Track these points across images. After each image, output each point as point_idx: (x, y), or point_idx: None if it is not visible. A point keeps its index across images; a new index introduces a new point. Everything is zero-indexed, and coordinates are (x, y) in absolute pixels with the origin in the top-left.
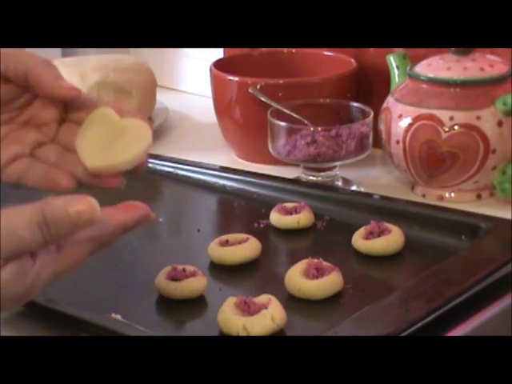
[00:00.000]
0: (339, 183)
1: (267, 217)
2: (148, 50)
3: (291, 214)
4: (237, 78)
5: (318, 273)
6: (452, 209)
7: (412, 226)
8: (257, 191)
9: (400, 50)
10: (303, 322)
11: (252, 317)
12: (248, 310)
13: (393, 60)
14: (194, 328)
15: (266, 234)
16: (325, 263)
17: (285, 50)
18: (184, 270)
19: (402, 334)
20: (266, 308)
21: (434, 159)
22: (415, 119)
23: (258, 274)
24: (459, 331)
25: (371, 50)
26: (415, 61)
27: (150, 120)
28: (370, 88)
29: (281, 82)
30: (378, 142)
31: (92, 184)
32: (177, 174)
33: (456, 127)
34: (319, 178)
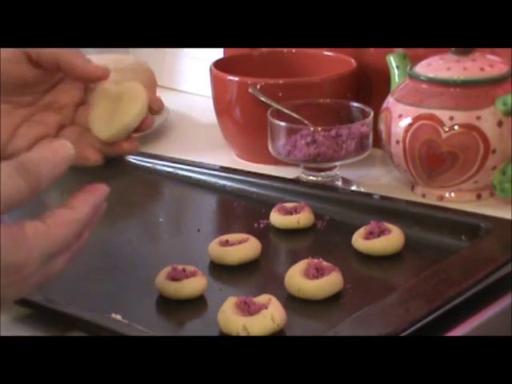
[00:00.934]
0: (339, 183)
1: (267, 217)
2: (148, 50)
3: (291, 213)
4: (237, 78)
5: (318, 273)
6: (452, 209)
7: (412, 225)
8: (257, 191)
9: (400, 49)
10: (303, 321)
11: (252, 317)
12: (248, 310)
13: (393, 60)
14: (194, 328)
15: (266, 233)
16: (325, 263)
17: (285, 50)
18: (184, 270)
19: (402, 334)
20: (266, 308)
21: (433, 159)
22: (415, 119)
23: (258, 274)
24: (459, 331)
25: (371, 49)
26: (415, 61)
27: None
28: (370, 88)
29: (281, 81)
30: (377, 142)
31: (113, 152)
32: (177, 174)
33: (456, 127)
34: (319, 178)
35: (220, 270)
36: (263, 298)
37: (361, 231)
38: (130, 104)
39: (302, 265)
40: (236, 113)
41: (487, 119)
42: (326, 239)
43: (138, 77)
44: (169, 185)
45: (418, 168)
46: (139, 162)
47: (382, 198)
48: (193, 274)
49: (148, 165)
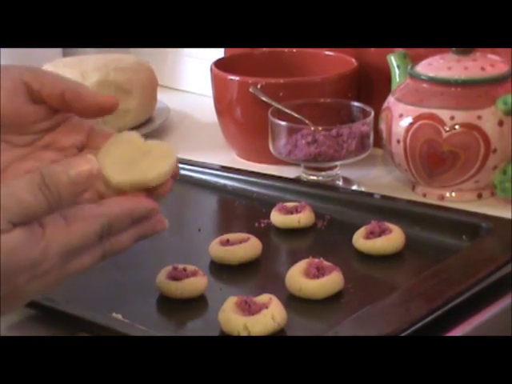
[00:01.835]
0: (340, 183)
1: (268, 216)
2: (149, 50)
3: (292, 213)
4: (237, 78)
5: (319, 272)
6: (453, 208)
7: (413, 225)
8: (257, 191)
9: (401, 49)
10: (304, 321)
11: (253, 316)
12: (249, 309)
13: (393, 59)
14: (195, 327)
15: (267, 233)
16: (325, 263)
17: (285, 49)
18: (185, 270)
19: (403, 334)
20: (267, 307)
21: (434, 159)
22: (416, 119)
23: (259, 274)
24: (459, 331)
25: (372, 49)
26: (416, 60)
27: (151, 118)
28: (371, 87)
29: (281, 81)
30: (378, 142)
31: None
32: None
33: (457, 127)
34: (320, 178)
35: (221, 270)
36: (264, 298)
37: (361, 231)
38: (159, 160)
39: (302, 264)
40: (237, 112)
41: (488, 119)
42: (326, 239)
43: (139, 76)
44: None
45: (418, 168)
46: None
47: (383, 197)
48: (193, 274)
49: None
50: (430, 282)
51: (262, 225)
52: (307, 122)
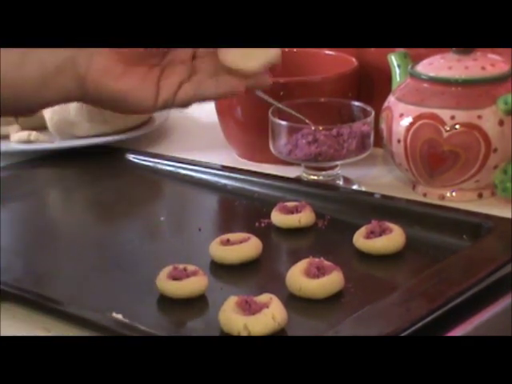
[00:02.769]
0: (340, 182)
1: (268, 216)
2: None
3: (292, 213)
4: None
5: (319, 272)
6: (453, 208)
7: (413, 225)
8: (258, 190)
9: (401, 49)
10: (304, 321)
11: (253, 316)
12: (249, 309)
13: (394, 59)
14: (195, 327)
15: (267, 233)
16: (326, 262)
17: (285, 49)
18: (185, 270)
19: (403, 334)
20: (267, 307)
21: (435, 158)
22: (416, 118)
23: (259, 274)
24: (459, 331)
25: (372, 49)
26: (416, 60)
27: (151, 118)
28: (371, 87)
29: (282, 81)
30: (379, 141)
31: (253, 85)
32: (178, 173)
33: (457, 126)
34: (320, 177)
35: (221, 270)
36: (264, 298)
37: (362, 230)
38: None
39: (303, 264)
40: (237, 112)
41: (488, 118)
42: (327, 238)
43: None
44: (170, 184)
45: (419, 167)
46: (140, 162)
47: (383, 197)
48: (194, 274)
49: (149, 164)
50: (431, 281)
51: (263, 224)
52: (308, 121)
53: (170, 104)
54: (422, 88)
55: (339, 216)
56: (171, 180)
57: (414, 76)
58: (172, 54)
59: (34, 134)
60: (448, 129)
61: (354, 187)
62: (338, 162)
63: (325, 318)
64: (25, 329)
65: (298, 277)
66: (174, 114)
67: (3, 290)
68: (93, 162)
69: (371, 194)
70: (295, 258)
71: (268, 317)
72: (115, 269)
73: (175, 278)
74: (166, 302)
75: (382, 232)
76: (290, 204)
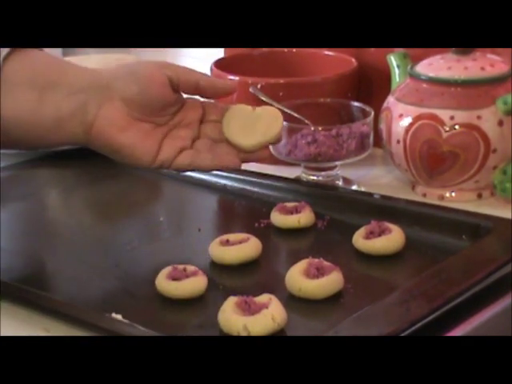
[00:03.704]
0: (340, 183)
1: (268, 216)
2: (149, 50)
3: (292, 213)
4: (237, 78)
5: (319, 272)
6: (452, 208)
7: (412, 225)
8: (257, 191)
9: (400, 49)
10: (304, 321)
11: (252, 316)
12: (248, 309)
13: (393, 59)
14: (195, 328)
15: (267, 233)
16: (325, 263)
17: (285, 49)
18: (185, 270)
19: (403, 334)
20: (267, 307)
21: (434, 159)
22: (416, 119)
23: (259, 274)
24: (459, 331)
25: (372, 49)
26: (416, 60)
27: None
28: (371, 87)
29: (281, 81)
30: (378, 142)
31: (249, 159)
32: (178, 174)
33: (457, 127)
34: (320, 178)
35: (220, 270)
36: (264, 298)
37: (361, 231)
38: (271, 122)
39: (302, 264)
40: None
41: (488, 119)
42: (326, 239)
43: None
44: (169, 184)
45: (418, 167)
46: None
47: (383, 197)
48: (193, 274)
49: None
50: (430, 281)
51: (262, 225)
52: (307, 121)
53: (166, 166)
54: (422, 88)
55: (339, 216)
56: (171, 180)
57: (414, 76)
58: (182, 114)
59: None
60: (447, 129)
61: (354, 187)
62: (337, 163)
63: (324, 318)
64: (24, 329)
65: (297, 277)
66: None
67: (3, 290)
68: (92, 162)
69: (371, 195)
70: (295, 259)
71: (267, 317)
72: (115, 269)
73: (175, 279)
74: (166, 303)
75: (382, 232)
76: (290, 204)
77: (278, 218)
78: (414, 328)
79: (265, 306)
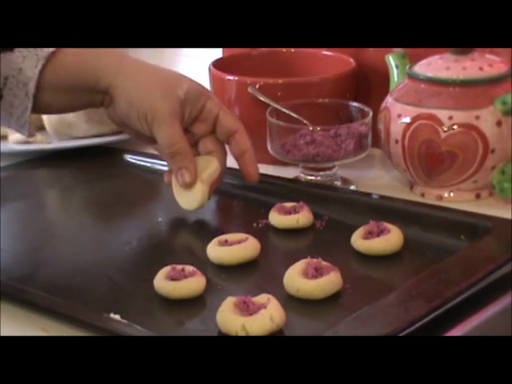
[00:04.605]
0: (338, 183)
1: (266, 216)
2: (147, 50)
3: (290, 213)
4: (236, 78)
5: (317, 272)
6: (451, 208)
7: (411, 225)
8: (256, 191)
9: (399, 49)
10: (302, 321)
11: (251, 317)
12: (247, 309)
13: (392, 60)
14: (193, 328)
15: (265, 233)
16: (324, 263)
17: (284, 49)
18: (183, 270)
19: (401, 334)
20: (265, 308)
21: (433, 159)
22: (414, 119)
23: (257, 274)
24: (459, 331)
25: (370, 49)
26: (414, 60)
27: None
28: (369, 88)
29: (280, 81)
30: (376, 142)
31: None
32: None
33: (455, 127)
34: (318, 178)
35: (219, 270)
36: (262, 298)
37: (360, 231)
38: (204, 168)
39: (301, 264)
40: (235, 112)
41: (486, 119)
42: (325, 239)
43: None
44: (168, 184)
45: (417, 168)
46: (138, 162)
47: (381, 197)
48: (192, 274)
49: (147, 164)
50: (429, 281)
51: (261, 225)
52: (305, 122)
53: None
54: (420, 88)
55: (337, 216)
56: None
57: (412, 76)
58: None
59: None
60: (446, 129)
61: (352, 188)
62: (335, 163)
63: (323, 318)
64: (23, 329)
65: (295, 277)
66: None
67: (2, 290)
68: (90, 162)
69: (369, 195)
70: (293, 259)
71: (266, 317)
72: (113, 269)
73: (173, 279)
74: (164, 303)
75: (380, 232)
76: (288, 204)
77: (276, 218)
78: (412, 328)
79: (263, 306)
